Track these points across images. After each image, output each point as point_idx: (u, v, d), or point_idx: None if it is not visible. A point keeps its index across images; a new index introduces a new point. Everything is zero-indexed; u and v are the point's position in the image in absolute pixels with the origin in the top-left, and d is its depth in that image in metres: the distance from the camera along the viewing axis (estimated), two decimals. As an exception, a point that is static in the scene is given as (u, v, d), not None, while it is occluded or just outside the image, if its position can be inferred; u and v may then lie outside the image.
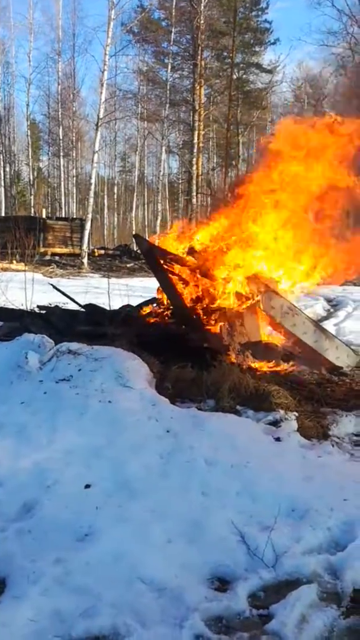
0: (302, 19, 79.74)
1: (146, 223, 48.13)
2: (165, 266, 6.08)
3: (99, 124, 25.33)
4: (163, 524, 2.93)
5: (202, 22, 29.78)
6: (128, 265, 25.73)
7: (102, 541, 2.75)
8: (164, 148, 34.73)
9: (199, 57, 31.35)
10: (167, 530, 2.88)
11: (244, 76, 37.87)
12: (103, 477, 3.32)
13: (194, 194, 31.31)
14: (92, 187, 26.12)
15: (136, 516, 2.97)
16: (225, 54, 35.17)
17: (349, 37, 32.23)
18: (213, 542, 2.83)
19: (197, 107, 31.53)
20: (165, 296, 6.42)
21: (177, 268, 6.05)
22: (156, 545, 2.77)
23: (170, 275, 6.05)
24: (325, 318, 11.38)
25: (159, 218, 35.24)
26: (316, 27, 72.19)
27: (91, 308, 6.59)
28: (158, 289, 6.60)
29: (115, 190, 47.33)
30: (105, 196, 48.46)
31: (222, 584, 2.61)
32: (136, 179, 45.93)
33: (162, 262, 6.13)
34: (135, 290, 11.20)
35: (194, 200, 31.18)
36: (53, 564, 2.57)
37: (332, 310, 12.91)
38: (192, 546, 2.80)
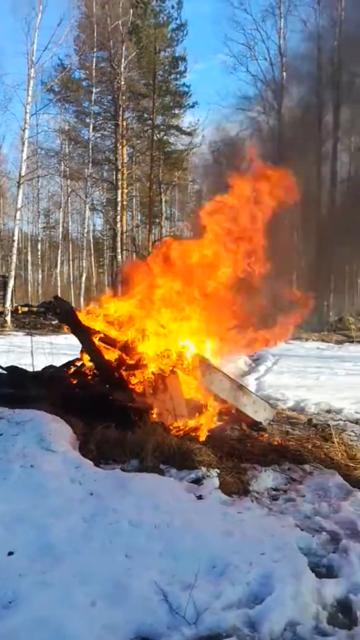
0: (219, 82, 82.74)
1: (71, 279, 48.05)
2: (86, 328, 6.21)
3: (21, 181, 25.52)
4: (87, 587, 2.96)
5: (122, 83, 30.82)
6: (53, 322, 25.49)
7: (27, 607, 2.75)
8: (87, 206, 35.24)
9: (121, 117, 32.33)
10: (91, 593, 2.91)
11: (165, 137, 39.09)
12: (26, 542, 3.31)
13: (119, 250, 31.83)
14: (15, 243, 26.04)
15: (60, 580, 2.98)
16: (145, 115, 36.32)
17: (263, 102, 34.40)
18: (136, 602, 2.88)
19: (119, 167, 32.39)
20: (88, 356, 6.50)
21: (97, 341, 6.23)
22: (80, 608, 2.79)
23: (91, 337, 6.17)
24: (247, 373, 11.76)
25: (84, 274, 35.46)
26: (232, 92, 75.07)
27: (13, 370, 6.57)
28: (82, 350, 6.68)
29: (40, 247, 47.11)
30: (29, 252, 48.06)
31: (145, 643, 2.66)
32: (60, 236, 46.08)
33: (82, 323, 6.25)
34: (60, 348, 11.18)
35: (119, 257, 31.66)
36: (-24, 634, 2.56)
37: (253, 365, 13.31)
38: (115, 607, 2.84)
